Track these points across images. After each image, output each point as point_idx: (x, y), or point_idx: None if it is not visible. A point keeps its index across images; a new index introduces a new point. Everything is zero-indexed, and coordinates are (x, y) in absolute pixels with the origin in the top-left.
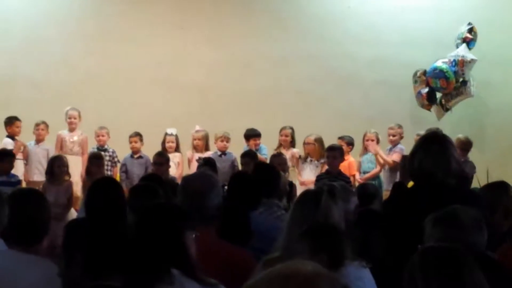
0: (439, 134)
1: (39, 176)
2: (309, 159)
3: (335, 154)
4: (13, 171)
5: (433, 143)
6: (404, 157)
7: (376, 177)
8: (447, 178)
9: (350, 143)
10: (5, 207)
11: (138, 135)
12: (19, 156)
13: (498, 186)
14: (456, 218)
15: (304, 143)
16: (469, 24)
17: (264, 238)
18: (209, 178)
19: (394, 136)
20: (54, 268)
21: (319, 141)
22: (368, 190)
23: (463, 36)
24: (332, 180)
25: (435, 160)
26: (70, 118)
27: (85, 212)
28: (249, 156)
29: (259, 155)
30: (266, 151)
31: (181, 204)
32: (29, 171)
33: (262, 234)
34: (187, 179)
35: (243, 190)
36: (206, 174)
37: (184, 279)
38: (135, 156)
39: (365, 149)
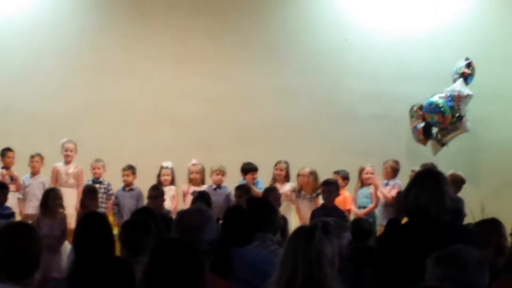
0: (433, 171)
1: (34, 209)
2: (302, 193)
3: (330, 189)
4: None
5: (427, 179)
6: (398, 194)
7: (372, 214)
8: (441, 214)
9: (346, 178)
10: None
11: (130, 168)
12: (11, 188)
13: (490, 223)
14: (460, 258)
15: (298, 175)
16: (467, 59)
17: (257, 272)
18: (204, 212)
19: (391, 168)
20: None
21: (314, 174)
22: (363, 226)
23: (461, 71)
24: (327, 215)
25: (430, 196)
26: (66, 150)
27: (73, 247)
28: (243, 189)
29: (255, 189)
30: (261, 185)
31: None
32: (25, 204)
33: (256, 268)
34: (182, 213)
35: (237, 225)
36: (201, 209)
37: None
38: (127, 188)
39: (362, 184)
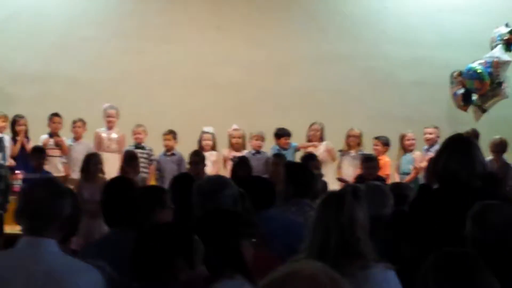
0: (463, 136)
1: (77, 174)
2: (350, 152)
3: (373, 164)
4: (50, 169)
5: (457, 145)
6: (430, 160)
7: (415, 179)
8: (471, 179)
9: (386, 144)
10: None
11: (171, 132)
12: (56, 153)
13: None
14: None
15: (349, 136)
16: (507, 25)
17: (294, 236)
18: (220, 179)
19: (431, 134)
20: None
21: (361, 135)
22: (401, 190)
23: (506, 37)
24: None
25: (459, 161)
26: (108, 116)
27: (102, 213)
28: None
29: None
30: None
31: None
32: (69, 168)
33: (293, 233)
34: (199, 182)
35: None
36: (218, 175)
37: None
38: (168, 153)
39: (404, 150)
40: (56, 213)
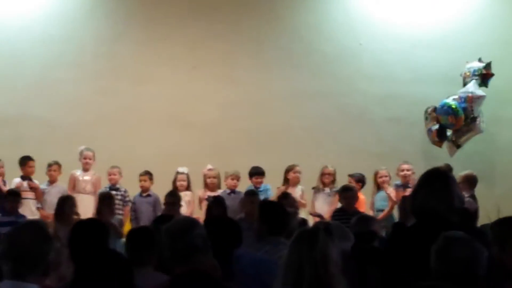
0: (440, 170)
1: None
2: (324, 189)
3: (351, 194)
4: (24, 211)
5: (434, 180)
6: (403, 198)
7: (390, 216)
8: (450, 214)
9: (360, 181)
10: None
11: (147, 173)
12: (30, 195)
13: (510, 221)
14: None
15: (324, 174)
16: (480, 60)
17: (265, 273)
18: (189, 218)
19: (408, 171)
20: None
21: (335, 172)
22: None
23: (483, 72)
24: (347, 219)
25: (438, 196)
26: (85, 158)
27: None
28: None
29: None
30: (270, 191)
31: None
32: (45, 212)
33: (264, 270)
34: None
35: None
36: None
37: None
38: (144, 194)
39: (378, 187)
40: (41, 257)
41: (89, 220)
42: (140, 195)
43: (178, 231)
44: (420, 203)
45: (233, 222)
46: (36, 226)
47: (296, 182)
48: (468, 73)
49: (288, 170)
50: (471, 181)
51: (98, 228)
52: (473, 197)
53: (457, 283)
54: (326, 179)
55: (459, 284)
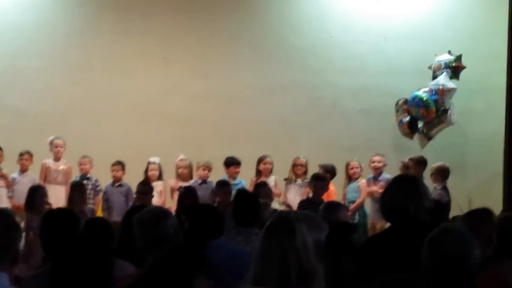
0: (409, 176)
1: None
2: (296, 181)
3: (322, 184)
4: None
5: (404, 182)
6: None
7: (361, 207)
8: (420, 213)
9: (330, 171)
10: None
11: (119, 163)
12: (1, 184)
13: (481, 213)
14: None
15: (296, 165)
16: (450, 52)
17: (242, 265)
18: (160, 208)
19: (379, 163)
20: None
21: (307, 164)
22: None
23: (454, 65)
24: (313, 208)
25: (407, 195)
26: (56, 147)
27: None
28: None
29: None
30: (244, 183)
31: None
32: (16, 201)
33: (241, 262)
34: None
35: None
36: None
37: None
38: (116, 184)
39: (349, 179)
40: (8, 245)
41: (59, 209)
42: (112, 185)
43: (150, 221)
44: (390, 203)
45: (216, 211)
46: (2, 214)
47: (267, 173)
48: (439, 66)
49: (259, 162)
50: (443, 172)
51: (69, 217)
52: (445, 189)
53: (444, 276)
54: (298, 170)
55: (447, 277)
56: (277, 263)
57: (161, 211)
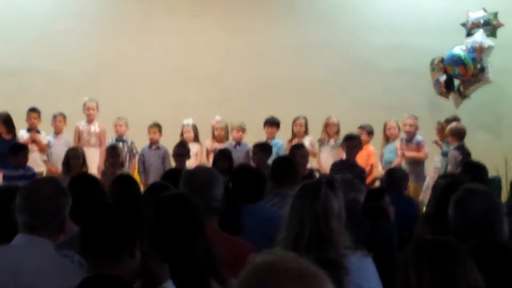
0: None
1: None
2: (329, 141)
3: (355, 143)
4: (30, 164)
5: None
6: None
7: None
8: None
9: (371, 132)
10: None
11: (156, 125)
12: (35, 148)
13: None
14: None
15: (328, 125)
16: (484, 10)
17: (273, 225)
18: (212, 171)
19: (411, 126)
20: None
21: (339, 123)
22: (396, 175)
23: (494, 23)
24: (347, 169)
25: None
26: (88, 109)
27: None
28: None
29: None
30: (281, 144)
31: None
32: (52, 164)
33: (271, 222)
34: (190, 172)
35: (246, 182)
36: (208, 168)
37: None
38: (153, 147)
39: (387, 139)
40: (57, 212)
41: (82, 175)
42: (149, 147)
43: (202, 183)
44: None
45: (262, 176)
46: (54, 181)
47: (301, 134)
48: (477, 23)
49: (293, 123)
50: (458, 133)
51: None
52: (459, 148)
53: (473, 234)
54: (330, 129)
55: (476, 235)
56: (295, 226)
57: (214, 174)
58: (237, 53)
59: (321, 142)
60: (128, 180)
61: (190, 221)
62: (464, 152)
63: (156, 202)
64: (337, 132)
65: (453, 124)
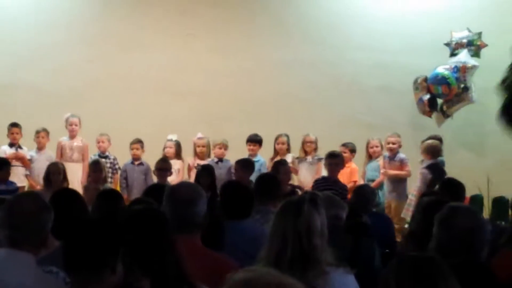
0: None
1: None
2: (306, 158)
3: (337, 161)
4: (12, 179)
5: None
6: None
7: (380, 186)
8: None
9: (353, 150)
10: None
11: (139, 142)
12: (19, 163)
13: None
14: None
15: (305, 142)
16: (468, 30)
17: (257, 244)
18: (196, 187)
19: (394, 144)
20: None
21: (317, 140)
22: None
23: (478, 43)
24: (328, 187)
25: None
26: (71, 125)
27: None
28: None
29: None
30: (264, 165)
31: (168, 211)
32: (35, 180)
33: (255, 241)
34: (174, 188)
35: (234, 199)
36: (192, 183)
37: None
38: (136, 163)
39: (369, 157)
40: (40, 227)
41: (63, 189)
42: (132, 163)
43: (186, 199)
44: None
45: (251, 194)
46: (37, 195)
47: (283, 152)
48: (461, 43)
49: (275, 141)
50: (432, 150)
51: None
52: (430, 167)
53: (457, 252)
54: (307, 147)
55: (459, 253)
56: (278, 243)
57: (197, 189)
58: (223, 70)
59: (300, 160)
60: (114, 194)
61: (158, 236)
62: (436, 170)
63: (125, 217)
64: (315, 149)
65: (428, 141)
